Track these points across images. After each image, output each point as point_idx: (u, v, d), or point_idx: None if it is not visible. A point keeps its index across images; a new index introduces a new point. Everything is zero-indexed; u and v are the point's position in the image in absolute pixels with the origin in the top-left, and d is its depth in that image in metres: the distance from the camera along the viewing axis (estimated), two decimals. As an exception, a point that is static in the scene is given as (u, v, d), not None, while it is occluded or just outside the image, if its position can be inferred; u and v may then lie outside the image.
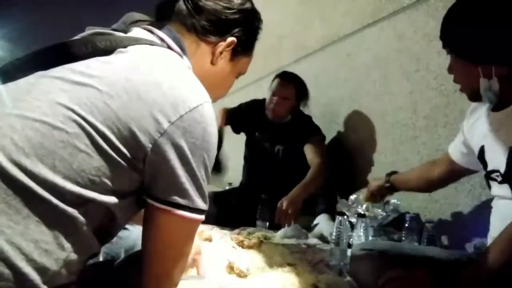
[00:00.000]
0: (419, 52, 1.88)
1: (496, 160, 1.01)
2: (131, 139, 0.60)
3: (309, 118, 2.36)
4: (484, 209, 1.14)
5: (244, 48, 0.85)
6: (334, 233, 1.47)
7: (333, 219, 1.59)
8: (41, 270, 0.55)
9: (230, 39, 0.81)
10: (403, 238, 1.52)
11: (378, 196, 1.62)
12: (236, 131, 2.50)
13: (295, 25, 3.15)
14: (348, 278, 1.25)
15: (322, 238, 1.84)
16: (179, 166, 0.63)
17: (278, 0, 3.50)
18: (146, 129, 0.60)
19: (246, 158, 2.54)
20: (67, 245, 0.58)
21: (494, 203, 1.04)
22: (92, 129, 0.59)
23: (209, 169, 0.67)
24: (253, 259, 1.48)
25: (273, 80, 2.31)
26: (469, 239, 1.45)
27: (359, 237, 1.55)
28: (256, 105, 2.42)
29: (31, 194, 0.55)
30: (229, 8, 0.80)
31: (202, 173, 0.65)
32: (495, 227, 0.99)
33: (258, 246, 1.64)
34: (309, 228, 1.99)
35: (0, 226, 0.53)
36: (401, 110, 1.98)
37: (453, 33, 1.04)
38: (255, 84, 3.39)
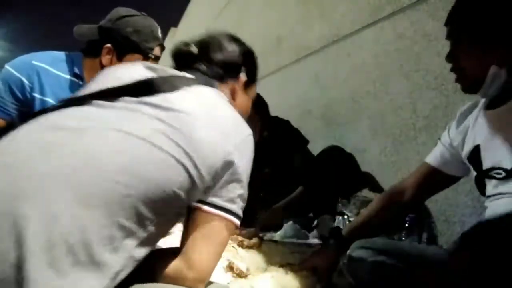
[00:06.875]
0: (419, 52, 1.87)
1: (498, 157, 0.98)
2: (208, 161, 0.72)
3: (286, 125, 2.23)
4: (484, 209, 1.14)
5: (252, 79, 1.03)
6: (334, 233, 1.47)
7: (334, 220, 1.59)
8: (110, 264, 0.61)
9: (242, 77, 0.99)
10: (403, 238, 1.52)
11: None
12: None
13: (295, 25, 3.15)
14: (349, 278, 1.25)
15: (322, 238, 1.85)
16: (236, 181, 0.77)
17: (278, 0, 3.50)
18: (218, 150, 0.74)
19: None
20: (132, 248, 0.65)
21: (493, 202, 1.02)
22: (181, 150, 0.70)
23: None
24: (253, 259, 1.48)
25: None
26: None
27: (359, 237, 1.55)
28: None
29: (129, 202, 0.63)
30: (235, 55, 0.98)
31: (246, 192, 0.80)
32: (496, 225, 0.97)
33: (258, 246, 1.64)
34: (309, 228, 1.99)
35: (98, 219, 0.60)
36: (401, 110, 1.98)
37: (467, 14, 0.96)
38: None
